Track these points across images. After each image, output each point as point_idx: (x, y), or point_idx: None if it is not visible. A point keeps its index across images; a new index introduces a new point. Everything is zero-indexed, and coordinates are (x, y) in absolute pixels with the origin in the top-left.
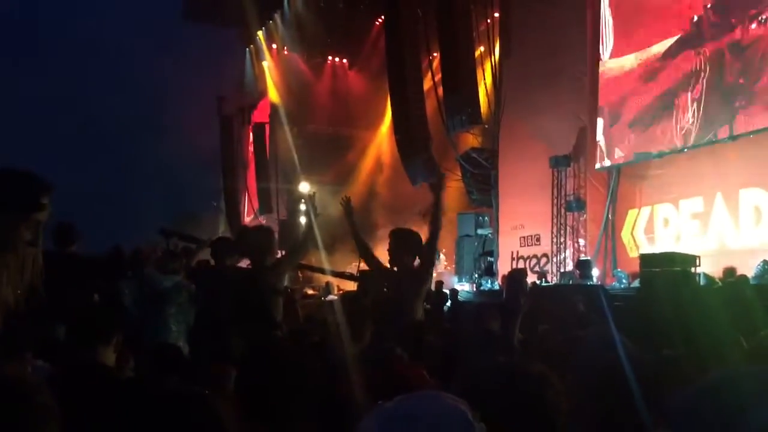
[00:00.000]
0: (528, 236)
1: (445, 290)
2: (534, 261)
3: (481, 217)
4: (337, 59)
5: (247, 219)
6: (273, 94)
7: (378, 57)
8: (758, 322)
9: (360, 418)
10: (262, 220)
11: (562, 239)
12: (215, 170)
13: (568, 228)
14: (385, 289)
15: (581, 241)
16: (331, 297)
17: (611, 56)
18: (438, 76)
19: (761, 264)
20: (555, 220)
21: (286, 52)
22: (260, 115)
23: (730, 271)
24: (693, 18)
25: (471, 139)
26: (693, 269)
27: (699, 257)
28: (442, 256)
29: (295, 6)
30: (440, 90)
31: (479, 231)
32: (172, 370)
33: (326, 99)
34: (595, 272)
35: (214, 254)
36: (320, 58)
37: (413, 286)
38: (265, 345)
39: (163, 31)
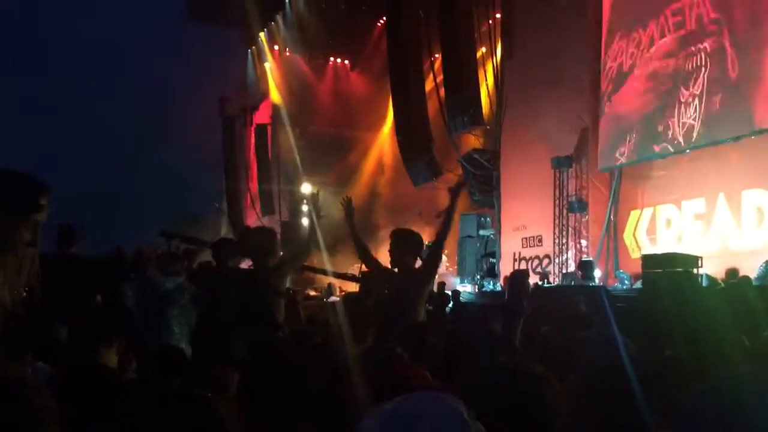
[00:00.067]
0: (530, 237)
1: (447, 291)
2: (536, 262)
3: (483, 218)
4: (338, 60)
5: (250, 221)
6: (275, 96)
7: (380, 58)
8: (761, 324)
9: (362, 419)
10: (265, 222)
11: (564, 240)
12: (217, 171)
13: (570, 229)
14: (386, 291)
15: (583, 242)
16: (333, 298)
17: (612, 56)
18: (440, 77)
19: (764, 265)
20: (557, 221)
21: (287, 54)
22: (262, 116)
23: (732, 272)
24: (693, 14)
25: (473, 140)
26: (695, 270)
27: (701, 258)
28: (444, 257)
29: (297, 7)
30: (442, 91)
31: (481, 232)
32: (175, 372)
33: (328, 100)
34: (597, 273)
35: (215, 255)
36: (322, 59)
37: (415, 287)
38: (267, 346)
39: (164, 32)
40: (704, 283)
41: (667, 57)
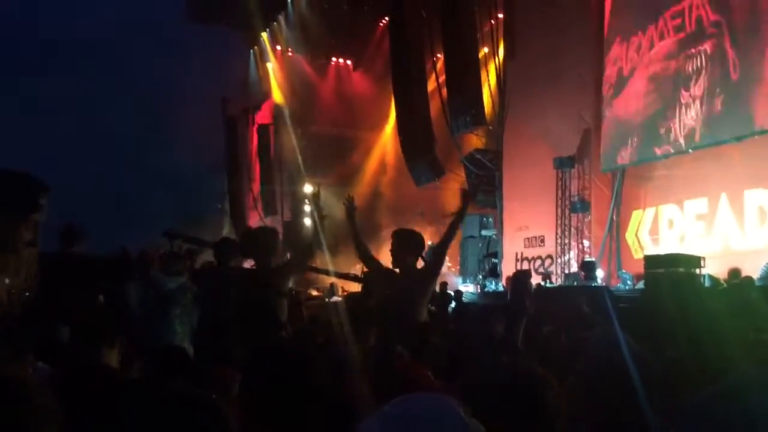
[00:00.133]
0: (532, 237)
1: (449, 291)
2: (538, 262)
3: (485, 219)
4: (341, 60)
5: (253, 221)
6: (277, 96)
7: (382, 58)
8: (763, 324)
9: (365, 418)
10: (268, 222)
11: (567, 240)
12: (219, 172)
13: (572, 229)
14: (387, 291)
15: (586, 243)
16: (335, 298)
17: (612, 60)
18: (442, 78)
19: (766, 265)
20: (559, 222)
21: (290, 54)
22: (264, 116)
23: (735, 273)
24: (693, 17)
25: (475, 140)
26: (698, 270)
27: (704, 258)
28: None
29: (299, 7)
30: (444, 91)
31: (483, 232)
32: (178, 372)
33: (330, 100)
34: (600, 273)
35: (217, 255)
36: (324, 60)
37: (417, 287)
38: (269, 346)
39: (166, 32)
40: (706, 284)
41: (667, 59)
